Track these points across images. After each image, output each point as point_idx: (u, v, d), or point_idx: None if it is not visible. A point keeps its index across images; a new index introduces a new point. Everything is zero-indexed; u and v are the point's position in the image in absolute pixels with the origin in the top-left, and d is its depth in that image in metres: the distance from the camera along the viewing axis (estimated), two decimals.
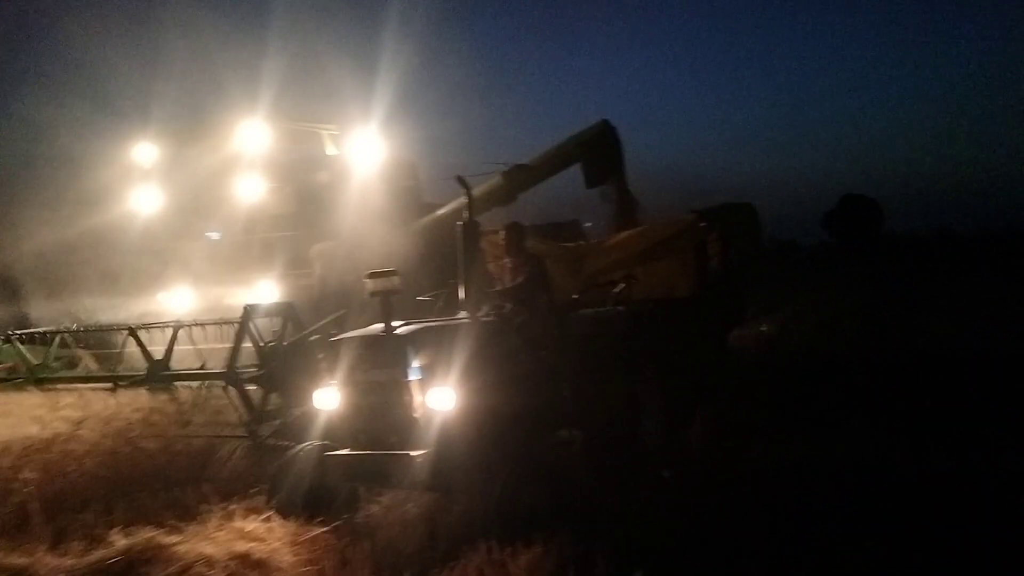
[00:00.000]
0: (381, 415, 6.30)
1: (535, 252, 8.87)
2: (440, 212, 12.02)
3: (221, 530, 5.94)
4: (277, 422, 8.21)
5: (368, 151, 13.17)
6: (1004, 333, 11.14)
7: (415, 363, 6.18)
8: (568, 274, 9.73)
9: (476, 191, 10.27)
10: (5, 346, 11.87)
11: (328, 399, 6.51)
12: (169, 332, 9.50)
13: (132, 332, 9.72)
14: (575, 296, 8.60)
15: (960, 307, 12.65)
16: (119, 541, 5.58)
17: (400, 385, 6.21)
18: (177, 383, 9.22)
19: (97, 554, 5.46)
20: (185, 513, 6.41)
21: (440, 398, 6.12)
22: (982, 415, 8.18)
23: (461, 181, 7.57)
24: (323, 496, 6.36)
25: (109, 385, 9.38)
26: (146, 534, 5.66)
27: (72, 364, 11.67)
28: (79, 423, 7.98)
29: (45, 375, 10.88)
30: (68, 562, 5.45)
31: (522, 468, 6.05)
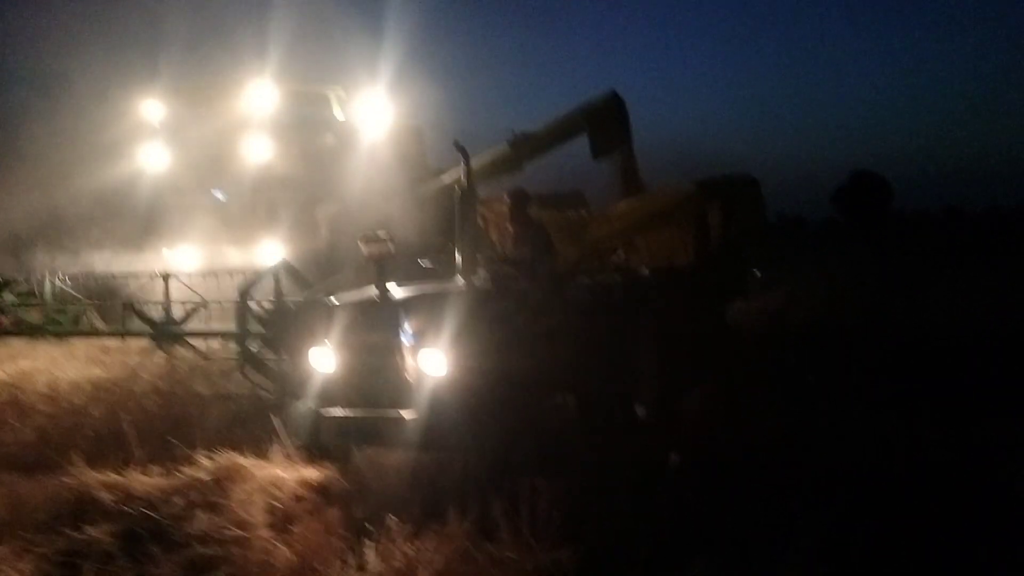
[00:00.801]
0: (374, 377, 6.40)
1: (538, 220, 8.94)
2: (444, 178, 12.05)
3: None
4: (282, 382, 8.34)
5: (375, 114, 13.19)
6: (1012, 315, 11.09)
7: (408, 327, 6.26)
8: (570, 242, 9.76)
9: (482, 159, 10.33)
10: (11, 297, 12.14)
11: (323, 360, 6.62)
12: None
13: (166, 279, 10.05)
14: (576, 263, 8.65)
15: (967, 288, 12.59)
16: (204, 462, 6.13)
17: (393, 348, 6.30)
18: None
19: (187, 472, 6.03)
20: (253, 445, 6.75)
21: (432, 362, 6.21)
22: (986, 396, 8.20)
23: (459, 147, 7.59)
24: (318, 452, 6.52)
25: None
26: (225, 458, 6.19)
27: (76, 318, 11.91)
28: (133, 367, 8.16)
29: (58, 328, 11.16)
30: (161, 481, 5.97)
31: (514, 428, 6.17)
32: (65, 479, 6.06)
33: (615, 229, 10.08)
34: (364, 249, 6.32)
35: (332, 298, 6.93)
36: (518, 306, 7.42)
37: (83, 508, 5.70)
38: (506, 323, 7.11)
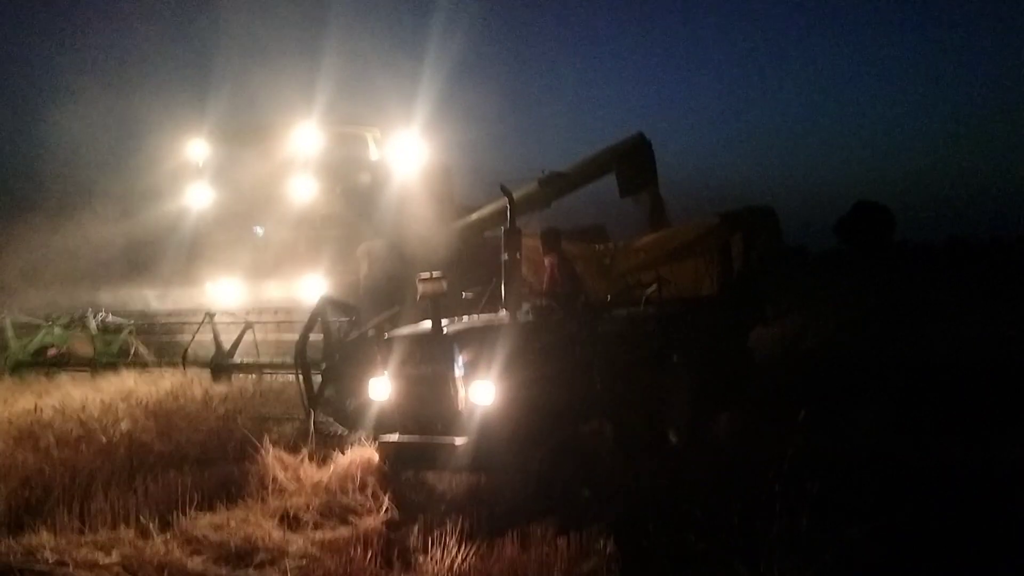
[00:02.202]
0: (428, 405, 6.92)
1: (568, 255, 9.46)
2: (477, 215, 12.59)
3: None
4: (331, 412, 8.84)
5: (408, 154, 13.74)
6: (1012, 338, 11.48)
7: (460, 359, 6.79)
8: (597, 274, 10.28)
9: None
10: (58, 330, 12.69)
11: (381, 389, 7.15)
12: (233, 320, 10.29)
13: (210, 317, 10.57)
14: (609, 297, 9.14)
15: (969, 313, 12.98)
16: None
17: (446, 379, 6.82)
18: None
19: None
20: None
21: (482, 391, 6.72)
22: (991, 414, 8.60)
23: (504, 190, 8.12)
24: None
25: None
26: None
27: (125, 351, 12.43)
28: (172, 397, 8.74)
29: (108, 360, 11.69)
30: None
31: (557, 453, 6.66)
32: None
33: (641, 260, 10.60)
34: (420, 288, 6.86)
35: (389, 333, 7.44)
36: (557, 338, 7.94)
37: None
38: (547, 354, 7.63)
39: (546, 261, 9.17)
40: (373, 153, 14.11)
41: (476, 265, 10.39)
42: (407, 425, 7.03)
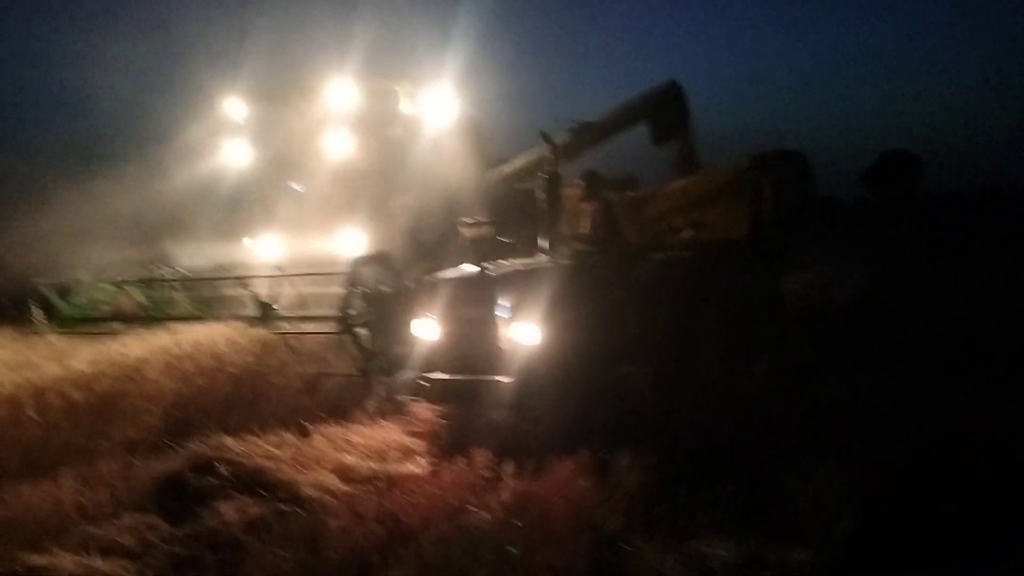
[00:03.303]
0: (473, 346, 7.22)
1: (607, 201, 9.61)
2: (510, 165, 12.75)
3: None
4: (378, 361, 9.14)
5: (439, 107, 13.88)
6: None
7: (503, 301, 7.06)
8: (630, 220, 10.40)
9: (543, 147, 11.01)
10: (108, 287, 13.07)
11: (427, 331, 7.44)
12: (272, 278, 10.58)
13: (244, 284, 10.84)
14: (643, 240, 9.31)
15: (998, 267, 12.85)
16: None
17: (490, 320, 7.10)
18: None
19: None
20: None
21: (524, 332, 7.01)
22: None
23: (544, 136, 8.30)
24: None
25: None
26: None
27: (169, 305, 12.82)
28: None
29: (158, 314, 12.06)
30: None
31: (593, 393, 6.95)
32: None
33: (672, 205, 10.67)
34: (467, 232, 7.12)
35: (435, 277, 7.72)
36: (595, 282, 8.18)
37: None
38: (586, 298, 7.88)
39: (586, 206, 9.30)
40: (406, 107, 14.26)
41: (510, 214, 10.60)
42: (453, 365, 7.33)
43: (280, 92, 14.29)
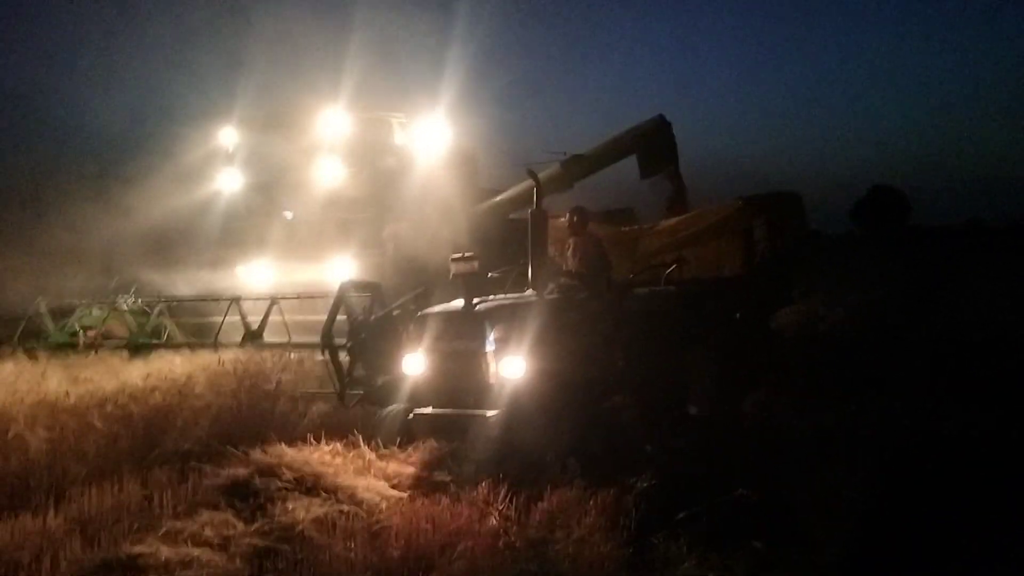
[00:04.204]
0: (461, 379, 7.19)
1: (596, 235, 9.66)
2: (501, 197, 12.81)
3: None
4: (361, 391, 9.10)
5: (433, 138, 13.96)
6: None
7: (491, 335, 7.04)
8: (624, 255, 10.50)
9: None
10: (96, 312, 13.02)
11: (414, 365, 7.41)
12: (263, 304, 10.54)
13: (236, 301, 10.74)
14: (632, 276, 9.36)
15: (988, 295, 12.99)
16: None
17: (477, 354, 7.08)
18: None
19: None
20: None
21: (512, 366, 6.98)
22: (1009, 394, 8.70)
23: (530, 173, 8.36)
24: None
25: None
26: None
27: (157, 333, 12.76)
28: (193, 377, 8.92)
29: (143, 341, 11.99)
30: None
31: (583, 427, 6.91)
32: None
33: (665, 243, 10.83)
34: (452, 267, 7.12)
35: (423, 310, 7.71)
36: (582, 316, 8.17)
37: None
38: (574, 331, 7.87)
39: (571, 241, 9.38)
40: (399, 137, 14.34)
41: (501, 246, 10.63)
42: (440, 398, 7.30)
43: (273, 121, 14.38)
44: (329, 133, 13.39)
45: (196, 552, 5.30)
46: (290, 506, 6.07)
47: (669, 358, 8.72)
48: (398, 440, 7.27)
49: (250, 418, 8.10)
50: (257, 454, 7.00)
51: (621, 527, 5.52)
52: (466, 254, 7.21)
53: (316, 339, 9.48)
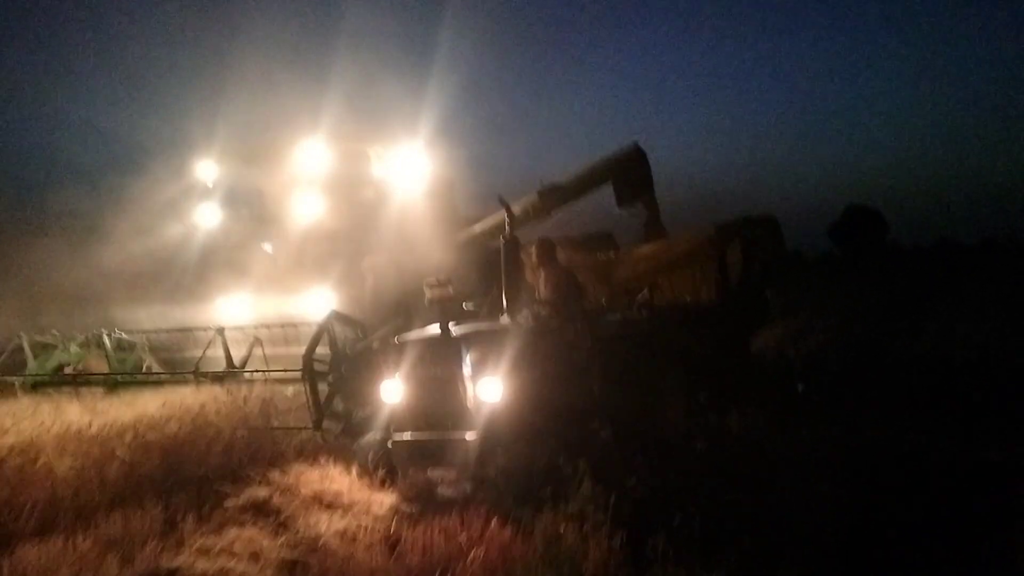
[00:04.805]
0: (439, 404, 7.25)
1: (568, 263, 9.78)
2: (477, 227, 12.91)
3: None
4: (342, 424, 9.12)
5: (411, 169, 14.07)
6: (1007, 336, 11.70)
7: (468, 359, 7.12)
8: (599, 282, 10.59)
9: (514, 208, 11.20)
10: (74, 349, 12.99)
11: (392, 392, 7.47)
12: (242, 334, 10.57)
13: (220, 332, 10.79)
14: (604, 302, 9.46)
15: (964, 313, 13.21)
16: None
17: (455, 378, 7.15)
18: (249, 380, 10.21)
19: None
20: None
21: (489, 389, 7.05)
22: (988, 410, 8.87)
23: (502, 201, 8.47)
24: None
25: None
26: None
27: (137, 367, 12.73)
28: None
29: (123, 378, 11.97)
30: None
31: (559, 449, 6.98)
32: None
33: (641, 269, 10.92)
34: (428, 293, 7.21)
35: (400, 337, 7.77)
36: (556, 342, 8.25)
37: None
38: (548, 357, 7.95)
39: (541, 271, 9.48)
40: (377, 169, 14.44)
41: (480, 275, 10.72)
42: (418, 423, 7.36)
43: (252, 154, 14.45)
44: (308, 165, 13.48)
45: (231, 564, 5.74)
46: (312, 520, 6.53)
47: (645, 382, 8.80)
48: (376, 469, 7.32)
49: (256, 446, 8.42)
50: (276, 475, 7.44)
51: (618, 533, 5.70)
52: (440, 279, 7.30)
53: (293, 371, 9.53)
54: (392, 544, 6.07)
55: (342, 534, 6.27)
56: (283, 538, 6.25)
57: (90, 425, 8.11)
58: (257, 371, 10.47)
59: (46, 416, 8.70)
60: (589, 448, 7.34)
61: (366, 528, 6.38)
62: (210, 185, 14.33)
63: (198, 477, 7.62)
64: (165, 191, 14.57)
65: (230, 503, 6.89)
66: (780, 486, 6.67)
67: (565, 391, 7.82)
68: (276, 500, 6.94)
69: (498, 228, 11.73)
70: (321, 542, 6.11)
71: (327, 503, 6.92)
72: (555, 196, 12.53)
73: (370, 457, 7.56)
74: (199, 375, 10.46)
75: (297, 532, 6.36)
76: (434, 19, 16.13)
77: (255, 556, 5.91)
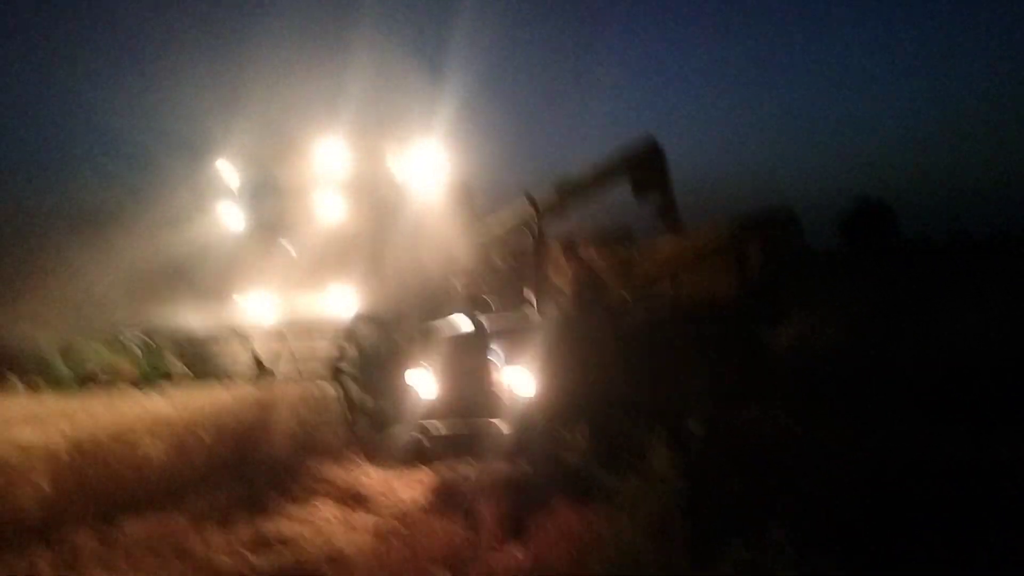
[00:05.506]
0: (469, 394, 7.41)
1: (588, 261, 9.91)
2: (498, 225, 13.02)
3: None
4: (369, 418, 9.27)
5: (430, 167, 14.18)
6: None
7: (500, 353, 7.26)
8: (622, 278, 10.70)
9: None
10: (103, 351, 13.11)
11: (423, 385, 7.61)
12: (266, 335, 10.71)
13: (244, 337, 10.92)
14: (630, 299, 9.58)
15: (973, 309, 13.18)
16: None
17: (485, 369, 7.30)
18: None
19: None
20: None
21: (520, 381, 7.20)
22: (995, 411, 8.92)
23: (530, 199, 8.59)
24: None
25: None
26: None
27: (163, 367, 12.85)
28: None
29: (152, 376, 12.11)
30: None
31: (588, 440, 7.12)
32: None
33: (661, 266, 11.02)
34: (458, 287, 7.36)
35: (433, 333, 7.92)
36: (582, 335, 8.40)
37: None
38: (574, 350, 8.08)
39: (567, 267, 9.62)
40: (397, 166, 14.53)
41: (500, 270, 10.83)
42: (447, 415, 7.50)
43: (271, 153, 14.55)
44: (328, 164, 13.60)
45: (331, 528, 6.46)
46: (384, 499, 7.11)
47: (666, 376, 8.92)
48: (409, 460, 7.46)
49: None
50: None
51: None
52: (470, 273, 7.45)
53: (321, 367, 9.67)
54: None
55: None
56: (364, 511, 6.81)
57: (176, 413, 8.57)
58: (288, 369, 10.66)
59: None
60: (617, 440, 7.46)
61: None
62: (231, 184, 14.44)
63: (270, 461, 8.13)
64: (186, 190, 14.70)
65: (305, 483, 7.47)
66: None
67: (593, 384, 7.94)
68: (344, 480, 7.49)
69: (519, 224, 11.84)
70: (403, 511, 6.61)
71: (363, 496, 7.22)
72: (571, 193, 12.61)
73: (407, 447, 7.70)
74: (231, 376, 10.61)
75: (376, 505, 6.85)
76: (449, 17, 16.20)
77: (349, 524, 6.50)
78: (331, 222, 13.57)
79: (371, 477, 7.54)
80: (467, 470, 7.50)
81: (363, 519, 6.91)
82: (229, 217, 14.36)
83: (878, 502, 6.43)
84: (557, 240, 9.88)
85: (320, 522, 6.80)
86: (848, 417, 9.07)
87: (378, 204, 13.93)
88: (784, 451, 7.93)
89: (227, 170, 14.44)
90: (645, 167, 12.63)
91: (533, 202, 8.56)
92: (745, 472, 7.35)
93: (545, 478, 7.04)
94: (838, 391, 10.43)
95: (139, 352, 12.89)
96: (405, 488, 7.37)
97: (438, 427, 7.54)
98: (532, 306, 8.34)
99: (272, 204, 14.59)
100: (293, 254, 14.11)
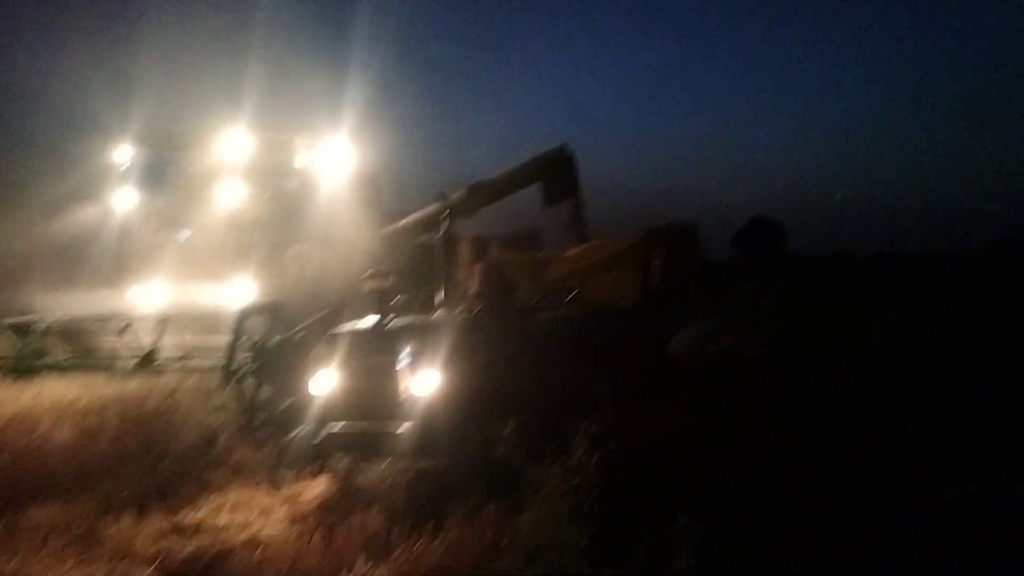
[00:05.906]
0: (373, 396, 7.23)
1: (499, 262, 9.91)
2: (406, 220, 12.93)
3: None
4: (265, 414, 8.97)
5: (336, 161, 13.97)
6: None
7: (403, 351, 7.13)
8: (530, 280, 10.76)
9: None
10: None
11: (325, 383, 7.42)
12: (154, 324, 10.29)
13: (128, 324, 10.44)
14: (535, 301, 9.62)
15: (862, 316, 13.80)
16: None
17: (390, 369, 7.16)
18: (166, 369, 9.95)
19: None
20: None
21: (424, 381, 7.08)
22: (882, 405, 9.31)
23: (442, 198, 8.53)
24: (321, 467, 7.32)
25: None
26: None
27: (41, 354, 12.24)
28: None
29: (29, 363, 11.50)
30: None
31: (491, 438, 7.06)
32: None
33: (568, 270, 11.15)
34: (368, 284, 7.20)
35: (334, 329, 7.72)
36: (488, 336, 8.33)
37: None
38: (480, 351, 8.01)
39: (474, 268, 9.59)
40: (301, 159, 14.28)
41: (407, 268, 10.71)
42: (351, 415, 7.32)
43: (171, 139, 14.11)
44: (230, 153, 13.24)
45: (247, 517, 6.43)
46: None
47: (568, 378, 8.95)
48: (308, 462, 7.26)
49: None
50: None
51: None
52: (378, 270, 7.31)
53: (213, 359, 9.35)
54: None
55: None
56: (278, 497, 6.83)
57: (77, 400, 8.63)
58: (178, 360, 10.26)
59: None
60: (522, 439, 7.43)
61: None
62: (126, 168, 13.91)
63: (177, 451, 7.93)
64: (80, 174, 14.13)
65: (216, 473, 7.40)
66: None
67: (495, 382, 7.89)
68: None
69: (428, 221, 11.78)
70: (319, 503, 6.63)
71: None
72: (483, 194, 12.64)
73: (306, 449, 7.48)
74: (113, 364, 10.16)
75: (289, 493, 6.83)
76: (361, 11, 16.03)
77: (264, 512, 6.51)
78: (231, 211, 13.25)
79: (275, 474, 7.28)
80: (373, 467, 7.36)
81: (278, 509, 6.75)
82: (124, 202, 13.86)
83: (774, 490, 6.57)
84: (467, 240, 9.83)
85: (235, 510, 6.69)
86: (747, 413, 9.32)
87: (281, 195, 13.66)
88: (685, 446, 8.02)
89: (125, 153, 13.93)
90: (558, 174, 12.77)
91: (446, 201, 8.49)
92: (650, 465, 7.36)
93: (457, 471, 6.96)
94: (736, 388, 10.75)
95: (16, 337, 12.28)
96: (311, 487, 7.16)
97: (340, 426, 7.34)
98: (439, 304, 8.24)
99: (171, 190, 14.15)
100: (190, 242, 13.72)
